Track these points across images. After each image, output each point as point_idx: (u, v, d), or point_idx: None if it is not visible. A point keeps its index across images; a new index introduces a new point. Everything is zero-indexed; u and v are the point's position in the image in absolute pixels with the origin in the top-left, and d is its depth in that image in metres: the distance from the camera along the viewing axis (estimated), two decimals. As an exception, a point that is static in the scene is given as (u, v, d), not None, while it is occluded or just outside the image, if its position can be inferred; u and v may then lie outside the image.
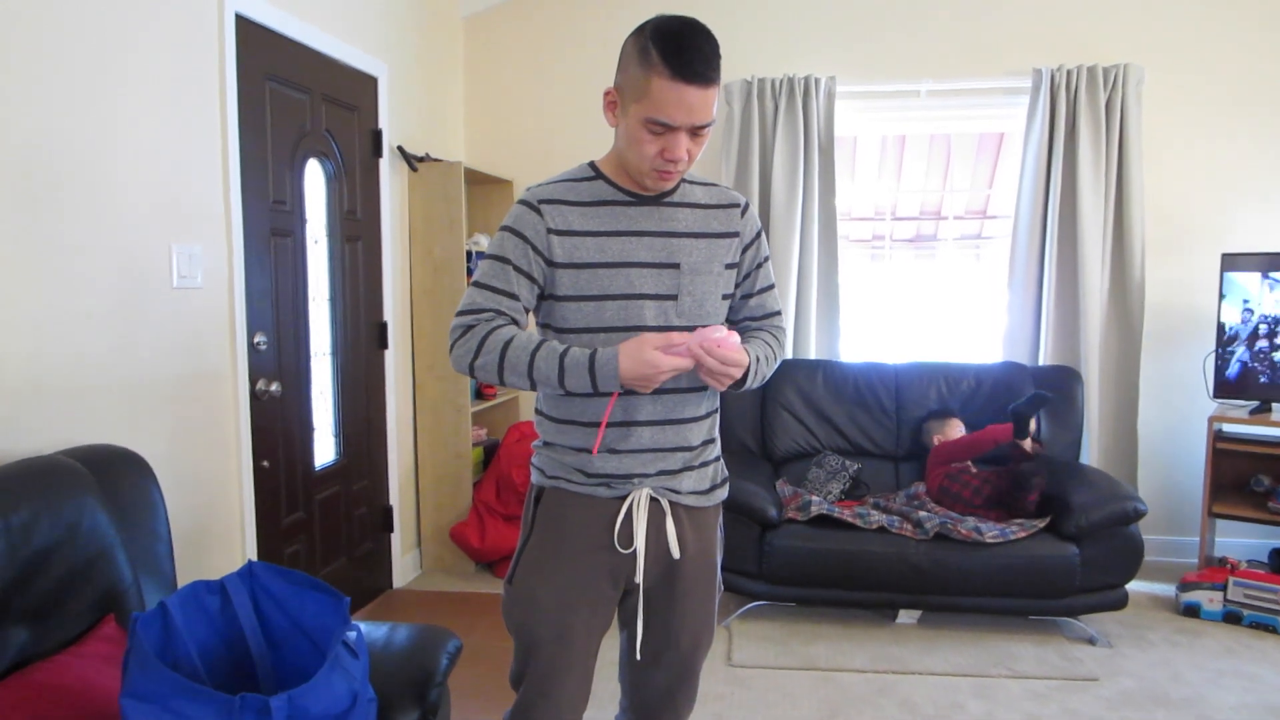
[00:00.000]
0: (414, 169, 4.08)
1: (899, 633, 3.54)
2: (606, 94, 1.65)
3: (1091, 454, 4.18)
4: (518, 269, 1.66)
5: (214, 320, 2.83)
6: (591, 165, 1.75)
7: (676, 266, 1.70)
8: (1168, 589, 3.97)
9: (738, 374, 1.59)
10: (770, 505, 3.51)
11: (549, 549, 1.75)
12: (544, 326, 1.76)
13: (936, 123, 4.47)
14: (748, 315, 1.86)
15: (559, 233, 1.66)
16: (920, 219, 5.03)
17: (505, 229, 1.70)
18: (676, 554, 1.74)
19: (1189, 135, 4.20)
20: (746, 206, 1.83)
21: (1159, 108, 4.20)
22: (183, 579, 2.64)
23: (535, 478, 1.82)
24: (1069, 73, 4.13)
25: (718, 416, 1.85)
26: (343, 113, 3.58)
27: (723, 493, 1.86)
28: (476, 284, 1.68)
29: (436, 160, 4.19)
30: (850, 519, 3.51)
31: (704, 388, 1.75)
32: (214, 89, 2.81)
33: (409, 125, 4.14)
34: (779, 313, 1.90)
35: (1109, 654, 3.34)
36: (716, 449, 1.87)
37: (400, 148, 4.01)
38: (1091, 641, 3.43)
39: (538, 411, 1.82)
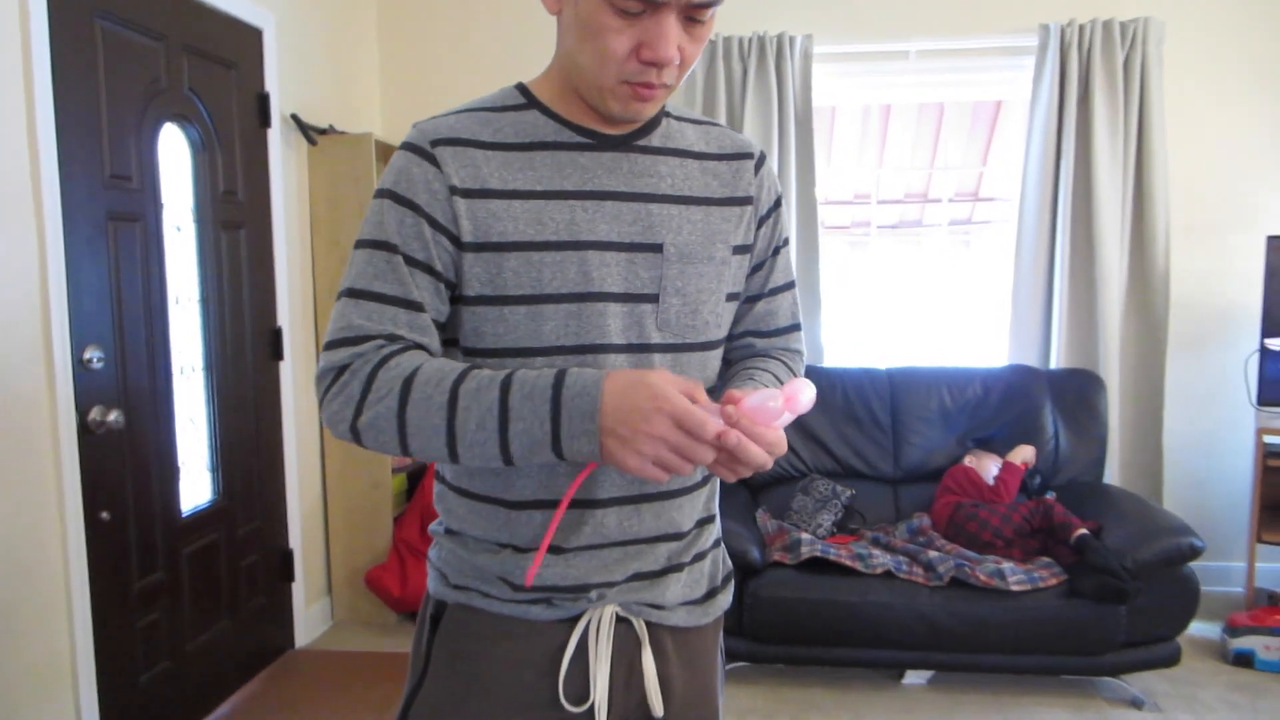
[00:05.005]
0: (313, 142, 3.37)
1: (908, 697, 2.93)
2: None
3: (1111, 470, 3.62)
4: (411, 260, 1.01)
5: (18, 332, 2.11)
6: (520, 88, 1.10)
7: (658, 249, 1.06)
8: (1210, 629, 3.38)
9: (768, 462, 0.94)
10: (751, 545, 2.88)
11: (450, 706, 1.09)
12: (446, 345, 1.11)
13: (927, 89, 3.86)
14: (751, 329, 1.22)
15: (467, 193, 1.01)
16: (905, 202, 4.45)
17: (383, 194, 1.04)
18: (659, 709, 1.09)
19: (1220, 100, 3.64)
20: (763, 159, 1.19)
21: (1186, 68, 3.64)
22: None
23: (433, 584, 1.16)
24: (1081, 28, 3.56)
25: (718, 481, 1.20)
26: (215, 69, 2.86)
27: (725, 598, 1.22)
28: (350, 293, 1.02)
29: (342, 133, 3.49)
30: (849, 562, 2.89)
31: None
32: (11, 23, 2.09)
33: (307, 89, 3.42)
34: (798, 327, 1.26)
35: None
36: (716, 529, 1.22)
37: (295, 116, 3.29)
38: (1136, 705, 2.85)
39: (439, 478, 1.16)
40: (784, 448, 0.93)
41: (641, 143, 1.09)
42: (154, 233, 2.59)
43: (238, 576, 3.02)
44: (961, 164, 4.31)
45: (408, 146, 1.04)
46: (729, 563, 1.25)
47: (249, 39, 3.04)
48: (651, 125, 1.11)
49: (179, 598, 2.72)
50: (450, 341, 1.09)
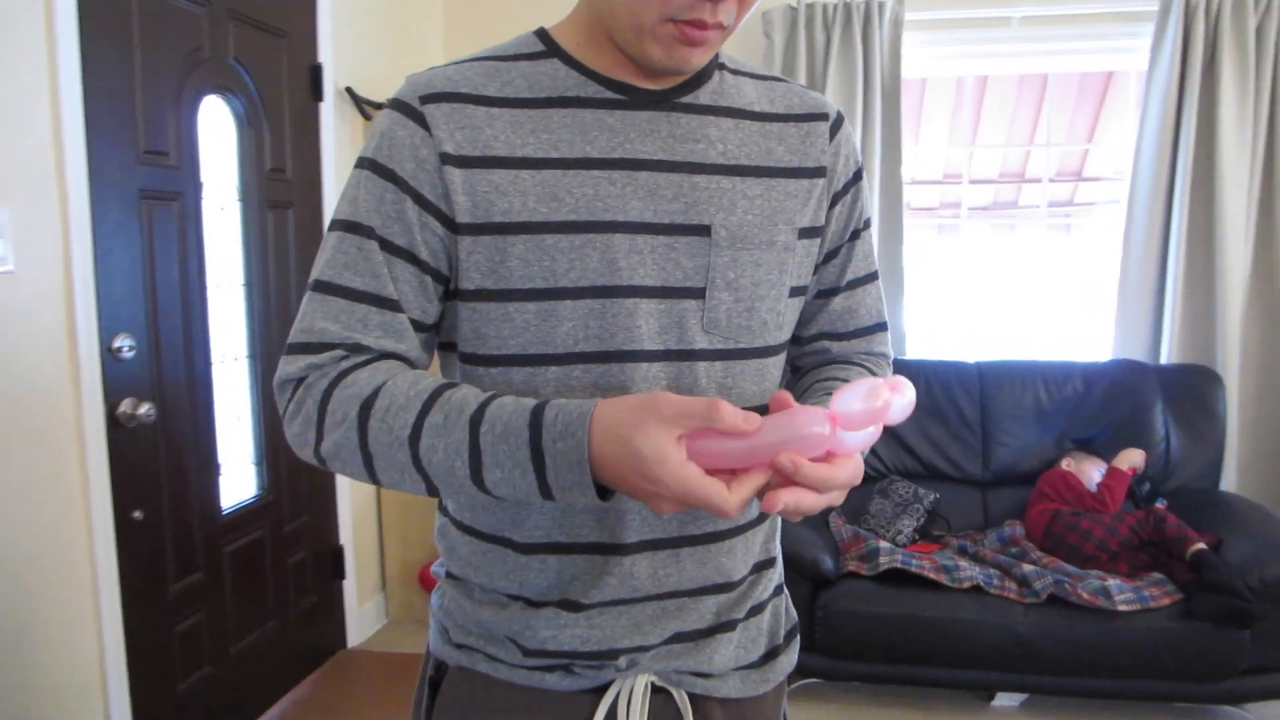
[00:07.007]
0: (368, 118, 3.21)
1: (998, 725, 2.67)
2: None
3: (1227, 476, 3.28)
4: (389, 246, 0.82)
5: (39, 318, 1.98)
6: (540, 34, 0.89)
7: (705, 232, 0.84)
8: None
9: (839, 500, 0.73)
10: (824, 554, 2.65)
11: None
12: (443, 350, 0.91)
13: (1030, 59, 3.54)
14: (826, 330, 0.99)
15: (463, 160, 0.81)
16: (1000, 182, 4.12)
17: (362, 163, 0.85)
18: None
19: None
20: (840, 121, 0.95)
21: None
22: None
23: (433, 639, 0.97)
24: (1208, -10, 3.20)
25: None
26: (263, 38, 2.71)
27: (789, 658, 1.00)
28: (316, 285, 0.83)
29: (397, 108, 3.32)
30: (932, 575, 2.63)
31: None
32: (35, -14, 1.95)
33: (363, 61, 3.26)
34: (884, 326, 1.02)
35: (1286, 761, 2.47)
36: (777, 573, 1.00)
37: (350, 90, 3.13)
38: (1262, 741, 2.56)
39: (440, 508, 0.97)
40: (859, 478, 0.73)
41: (687, 99, 0.87)
42: (193, 212, 2.45)
43: (285, 575, 2.89)
44: (1064, 141, 3.97)
45: (393, 103, 0.85)
46: (794, 613, 1.03)
47: (302, 7, 2.89)
48: (700, 79, 0.89)
49: (221, 599, 2.59)
50: (448, 346, 0.89)
